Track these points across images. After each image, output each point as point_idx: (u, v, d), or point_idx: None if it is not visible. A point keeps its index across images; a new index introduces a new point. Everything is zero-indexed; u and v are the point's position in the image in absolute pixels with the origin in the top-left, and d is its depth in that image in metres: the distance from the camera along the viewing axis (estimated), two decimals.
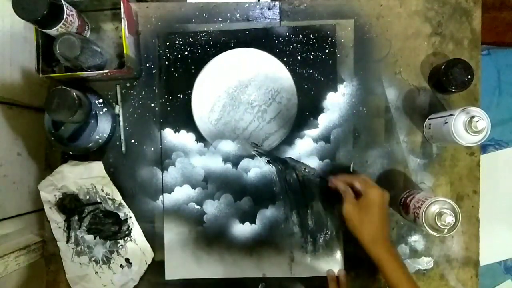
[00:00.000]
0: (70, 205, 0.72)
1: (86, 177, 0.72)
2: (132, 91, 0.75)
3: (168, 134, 0.74)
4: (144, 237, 0.74)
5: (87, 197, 0.73)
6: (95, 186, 0.72)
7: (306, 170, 0.74)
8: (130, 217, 0.73)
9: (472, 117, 0.61)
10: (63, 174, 0.72)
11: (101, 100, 0.71)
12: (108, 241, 0.73)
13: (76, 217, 0.73)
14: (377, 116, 0.75)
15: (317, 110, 0.74)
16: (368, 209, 0.61)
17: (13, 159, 0.70)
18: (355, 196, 0.65)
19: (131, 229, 0.73)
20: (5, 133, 0.68)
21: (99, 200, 0.73)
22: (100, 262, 0.74)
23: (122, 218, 0.73)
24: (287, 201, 0.74)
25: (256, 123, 0.74)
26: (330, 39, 0.74)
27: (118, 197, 0.73)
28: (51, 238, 0.74)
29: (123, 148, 0.75)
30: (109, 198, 0.73)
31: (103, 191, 0.73)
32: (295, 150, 0.74)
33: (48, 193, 0.72)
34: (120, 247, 0.73)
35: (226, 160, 0.74)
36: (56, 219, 0.73)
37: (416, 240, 0.74)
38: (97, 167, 0.72)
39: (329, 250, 0.74)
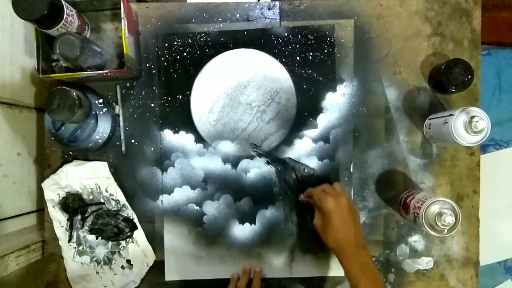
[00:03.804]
0: (73, 204, 0.72)
1: (90, 177, 0.72)
2: (132, 91, 0.75)
3: (167, 135, 0.74)
4: (146, 239, 0.74)
5: (91, 197, 0.73)
6: (99, 186, 0.73)
7: (306, 171, 0.74)
8: (133, 219, 0.73)
9: (472, 117, 0.61)
10: (68, 173, 0.72)
11: (101, 100, 0.71)
12: (110, 242, 0.73)
13: (79, 217, 0.73)
14: (377, 116, 0.75)
15: (316, 110, 0.74)
16: (327, 218, 0.62)
17: (13, 159, 0.70)
18: None
19: (134, 230, 0.73)
20: (5, 133, 0.68)
21: (102, 201, 0.73)
22: (102, 262, 0.74)
23: (125, 220, 0.73)
24: (287, 201, 0.74)
25: (255, 124, 0.74)
26: (328, 39, 0.74)
27: (122, 198, 0.73)
28: (51, 238, 0.74)
29: (123, 148, 0.75)
30: (112, 199, 0.73)
31: (107, 191, 0.73)
32: (294, 151, 0.74)
33: (52, 192, 0.72)
34: (122, 248, 0.73)
35: (225, 160, 0.74)
36: (58, 218, 0.73)
37: (416, 240, 0.74)
38: (102, 167, 0.72)
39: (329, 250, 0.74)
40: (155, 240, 0.74)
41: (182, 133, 0.74)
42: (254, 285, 0.70)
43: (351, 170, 0.74)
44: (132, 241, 0.73)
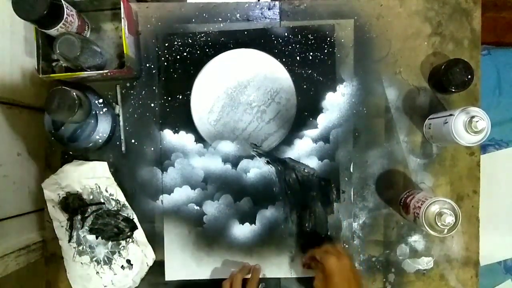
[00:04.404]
0: (73, 204, 0.72)
1: (90, 176, 0.72)
2: (132, 91, 0.75)
3: (167, 135, 0.74)
4: (146, 239, 0.74)
5: (91, 197, 0.73)
6: (99, 186, 0.73)
7: (306, 171, 0.74)
8: (133, 219, 0.73)
9: (472, 117, 0.61)
10: (68, 173, 0.72)
11: (101, 100, 0.71)
12: (110, 242, 0.73)
13: (79, 217, 0.73)
14: (377, 116, 0.75)
15: (316, 110, 0.74)
16: (329, 279, 0.61)
17: (13, 159, 0.70)
18: None
19: (134, 230, 0.73)
20: (5, 133, 0.68)
21: (102, 200, 0.73)
22: (102, 262, 0.74)
23: (125, 220, 0.73)
24: (287, 201, 0.74)
25: (255, 124, 0.74)
26: (328, 39, 0.74)
27: (122, 198, 0.73)
28: (51, 238, 0.74)
29: (123, 148, 0.75)
30: (112, 199, 0.73)
31: (107, 191, 0.73)
32: (294, 151, 0.74)
33: (52, 192, 0.72)
34: (122, 248, 0.73)
35: (225, 160, 0.74)
36: (58, 218, 0.73)
37: (416, 240, 0.74)
38: (102, 167, 0.72)
39: None
40: (155, 240, 0.74)
41: (182, 133, 0.74)
42: (251, 279, 0.70)
43: (351, 170, 0.74)
44: (132, 241, 0.73)
